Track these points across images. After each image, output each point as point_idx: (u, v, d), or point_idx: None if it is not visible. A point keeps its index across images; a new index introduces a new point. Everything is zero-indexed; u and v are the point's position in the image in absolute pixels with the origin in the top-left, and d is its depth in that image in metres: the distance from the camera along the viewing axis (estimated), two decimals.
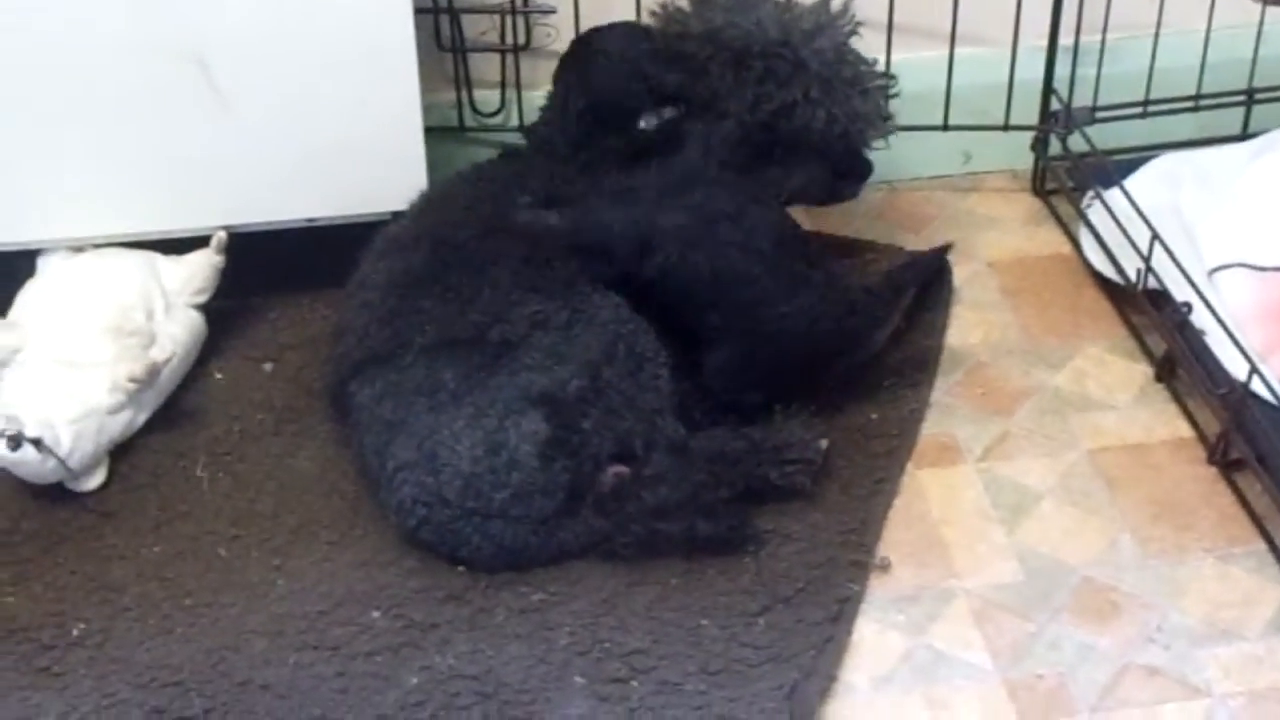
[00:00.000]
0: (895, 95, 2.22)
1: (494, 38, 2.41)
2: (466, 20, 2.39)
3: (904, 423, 2.09)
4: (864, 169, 2.24)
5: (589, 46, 2.18)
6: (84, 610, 1.85)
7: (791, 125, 2.13)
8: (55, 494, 1.98)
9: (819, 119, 2.13)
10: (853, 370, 2.11)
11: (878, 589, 1.88)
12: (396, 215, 2.13)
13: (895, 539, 1.94)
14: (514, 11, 2.38)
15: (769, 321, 2.00)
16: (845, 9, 2.19)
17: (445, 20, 2.38)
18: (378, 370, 1.94)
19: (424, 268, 2.00)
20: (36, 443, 1.90)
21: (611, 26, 2.20)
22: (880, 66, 2.25)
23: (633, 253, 2.01)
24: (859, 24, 2.20)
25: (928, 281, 2.29)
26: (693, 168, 2.10)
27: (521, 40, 2.41)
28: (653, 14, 2.24)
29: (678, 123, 2.13)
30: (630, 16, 2.32)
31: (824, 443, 1.98)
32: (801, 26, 2.15)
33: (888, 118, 2.22)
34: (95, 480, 1.99)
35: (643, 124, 2.13)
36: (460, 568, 1.88)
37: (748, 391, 2.02)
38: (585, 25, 2.31)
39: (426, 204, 2.13)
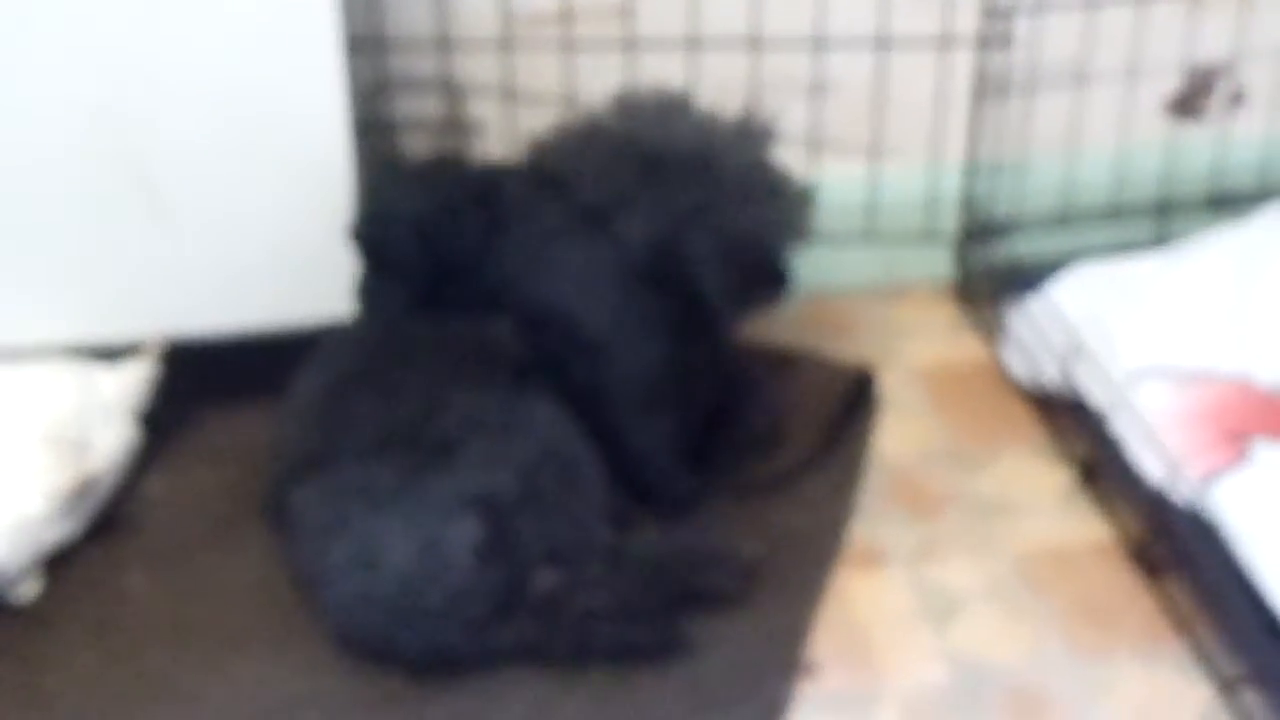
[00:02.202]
0: (812, 205, 2.21)
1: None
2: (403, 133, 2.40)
3: (831, 527, 2.09)
4: (779, 276, 2.21)
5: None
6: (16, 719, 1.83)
7: (702, 227, 2.09)
8: None
9: (730, 220, 2.11)
10: (779, 476, 2.14)
11: (807, 692, 1.87)
12: (328, 326, 2.13)
13: (824, 643, 1.93)
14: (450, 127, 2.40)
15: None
16: (766, 122, 2.19)
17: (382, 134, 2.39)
18: (314, 475, 1.94)
19: (358, 371, 2.01)
20: None
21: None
22: (799, 179, 2.23)
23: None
24: (779, 135, 2.19)
25: (853, 389, 2.30)
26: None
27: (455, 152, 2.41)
28: (568, 119, 2.23)
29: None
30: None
31: (753, 548, 1.99)
32: (720, 135, 2.14)
33: (804, 226, 2.20)
34: (29, 590, 1.97)
35: None
36: (395, 669, 1.86)
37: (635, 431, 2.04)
38: (519, 139, 2.33)
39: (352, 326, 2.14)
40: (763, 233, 2.14)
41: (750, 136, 2.17)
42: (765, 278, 2.19)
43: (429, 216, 2.07)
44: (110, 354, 2.16)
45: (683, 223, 2.06)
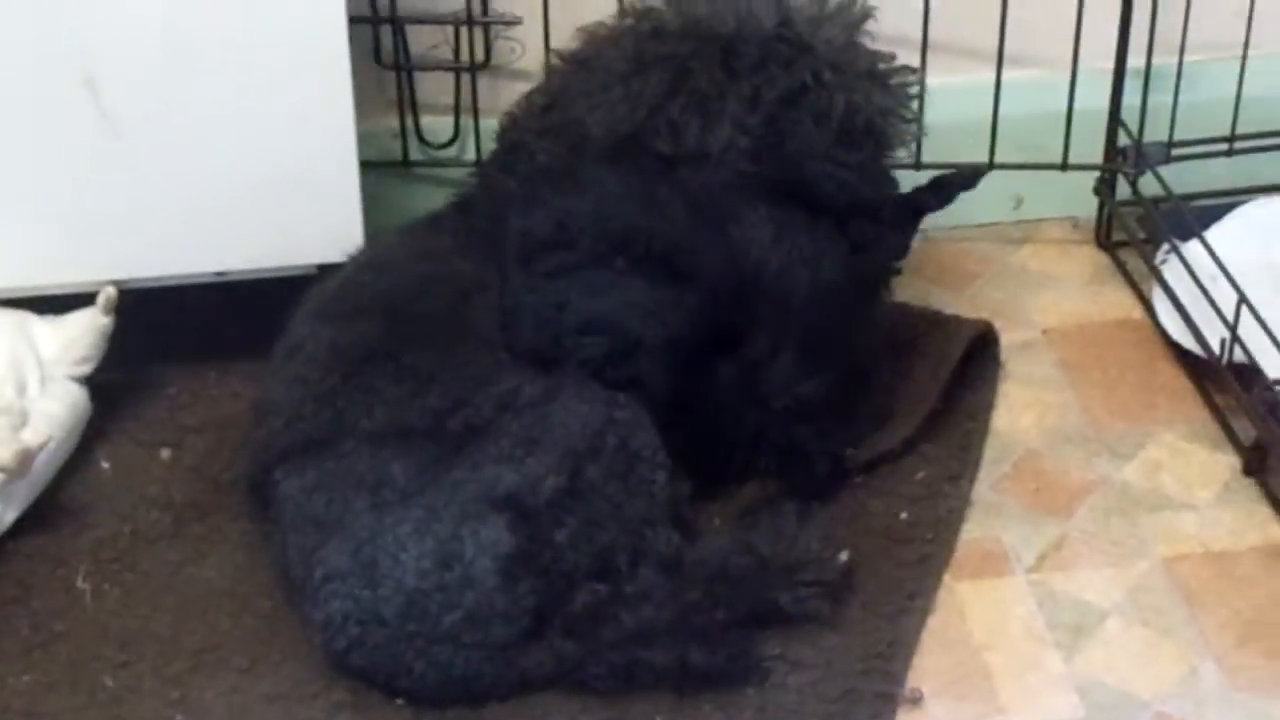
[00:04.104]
0: (918, 94, 2.21)
1: (446, 53, 2.41)
2: (413, 32, 2.39)
3: (940, 525, 2.09)
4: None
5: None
6: None
7: (804, 116, 2.09)
8: None
9: (837, 105, 2.10)
10: (877, 460, 2.14)
11: None
12: (324, 270, 2.13)
13: (929, 667, 1.93)
14: (471, 22, 2.37)
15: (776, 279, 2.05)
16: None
17: (387, 32, 2.37)
18: (310, 458, 1.93)
19: (375, 342, 1.99)
20: None
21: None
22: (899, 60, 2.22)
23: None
24: (872, 9, 2.18)
25: (970, 352, 2.28)
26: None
27: (479, 57, 2.40)
28: (623, 13, 2.21)
29: None
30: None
31: (844, 555, 1.98)
32: (803, 14, 2.14)
33: (914, 118, 2.20)
34: None
35: None
36: (399, 701, 1.86)
37: (801, 380, 2.06)
38: (555, 38, 2.30)
39: (367, 265, 2.13)
40: (874, 119, 2.13)
41: (838, 13, 2.16)
42: (887, 176, 2.21)
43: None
44: (52, 305, 2.16)
45: (779, 115, 2.07)
